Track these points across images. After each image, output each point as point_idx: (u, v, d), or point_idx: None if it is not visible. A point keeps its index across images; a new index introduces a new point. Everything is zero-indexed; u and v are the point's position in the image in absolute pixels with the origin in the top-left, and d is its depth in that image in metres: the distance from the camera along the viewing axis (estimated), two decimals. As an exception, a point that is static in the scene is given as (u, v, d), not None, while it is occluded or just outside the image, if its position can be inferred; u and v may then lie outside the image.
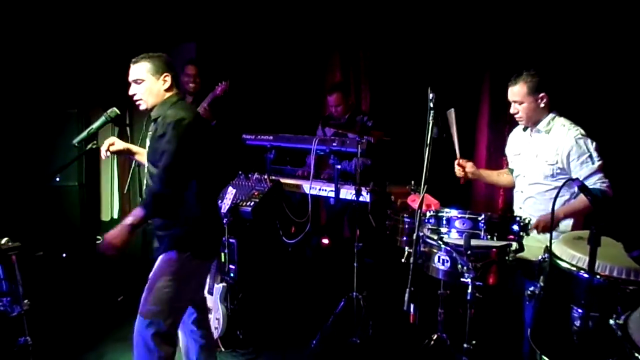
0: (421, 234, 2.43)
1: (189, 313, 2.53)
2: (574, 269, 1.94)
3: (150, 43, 5.30)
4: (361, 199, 3.28)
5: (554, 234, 2.03)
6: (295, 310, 3.83)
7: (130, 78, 2.37)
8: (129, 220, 2.25)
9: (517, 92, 2.65)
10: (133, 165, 3.32)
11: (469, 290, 2.27)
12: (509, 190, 3.03)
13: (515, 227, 2.25)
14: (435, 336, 2.86)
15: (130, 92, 2.38)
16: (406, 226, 2.94)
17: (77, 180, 5.09)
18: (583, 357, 1.84)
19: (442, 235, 2.35)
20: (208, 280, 3.07)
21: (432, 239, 2.44)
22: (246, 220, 3.31)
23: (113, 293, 4.01)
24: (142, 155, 2.58)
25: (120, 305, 3.89)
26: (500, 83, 2.81)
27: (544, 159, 2.65)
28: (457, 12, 4.27)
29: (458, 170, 2.91)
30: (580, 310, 1.87)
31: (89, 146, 2.44)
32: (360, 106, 4.86)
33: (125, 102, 4.54)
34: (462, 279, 2.29)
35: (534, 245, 2.38)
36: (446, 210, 2.35)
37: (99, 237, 5.59)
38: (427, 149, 2.30)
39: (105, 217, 6.38)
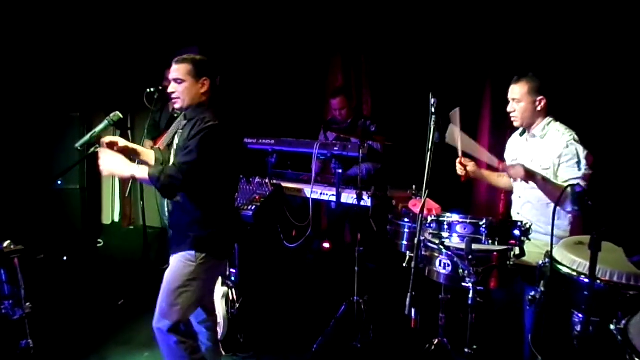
0: (422, 238, 2.43)
1: (197, 314, 2.56)
2: (575, 274, 1.95)
3: (153, 47, 5.35)
4: (362, 203, 3.28)
5: (555, 239, 2.03)
6: (296, 314, 3.83)
7: (171, 76, 2.41)
8: (136, 171, 2.30)
9: (517, 90, 2.68)
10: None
11: (470, 295, 2.27)
12: (509, 194, 3.04)
13: (517, 232, 2.26)
14: (437, 341, 2.85)
15: (169, 90, 2.43)
16: (407, 230, 2.95)
17: (78, 183, 5.11)
18: (584, 362, 1.85)
19: (443, 240, 2.35)
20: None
21: (434, 243, 2.44)
22: (247, 224, 3.32)
23: (114, 296, 4.01)
24: (146, 156, 2.59)
25: (121, 309, 3.89)
26: (502, 89, 2.83)
27: (539, 163, 2.66)
28: (459, 18, 4.29)
29: (460, 169, 2.92)
30: (580, 315, 1.88)
31: (92, 150, 2.44)
32: (362, 110, 4.88)
33: (127, 106, 4.59)
34: (463, 284, 2.29)
35: (534, 251, 2.39)
36: (447, 214, 2.36)
37: (99, 240, 5.61)
38: (429, 153, 2.31)
39: (106, 220, 6.40)
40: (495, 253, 2.34)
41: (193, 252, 2.35)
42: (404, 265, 2.78)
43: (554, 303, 2.02)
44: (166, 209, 3.41)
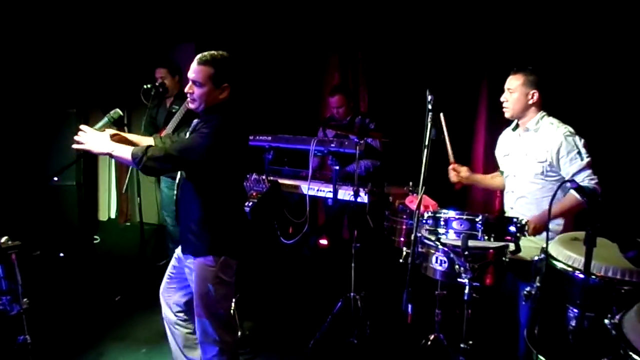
0: (419, 234, 2.45)
1: (176, 310, 2.60)
2: (570, 269, 1.97)
3: (149, 43, 5.33)
4: (359, 199, 3.30)
5: (550, 234, 2.05)
6: (293, 311, 3.84)
7: (190, 76, 2.29)
8: (115, 149, 2.28)
9: (513, 81, 2.72)
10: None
11: (466, 291, 2.29)
12: (504, 191, 3.06)
13: (512, 228, 2.27)
14: (433, 336, 2.87)
15: (186, 90, 2.32)
16: (404, 227, 2.96)
17: (75, 179, 5.10)
18: (578, 357, 1.86)
19: (439, 236, 2.37)
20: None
21: (430, 239, 2.46)
22: (248, 221, 3.32)
23: (111, 293, 4.02)
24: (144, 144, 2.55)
25: (119, 305, 3.89)
26: (498, 86, 2.86)
27: (534, 157, 2.68)
28: (456, 16, 4.30)
29: (453, 176, 2.95)
30: (575, 310, 1.90)
31: None
32: (359, 108, 4.88)
33: (124, 102, 4.58)
34: (459, 280, 2.31)
35: (529, 246, 2.41)
36: (444, 211, 2.38)
37: (96, 237, 5.60)
38: (426, 150, 2.32)
39: (102, 216, 6.39)
40: (491, 249, 2.36)
41: (211, 258, 2.36)
42: (401, 261, 2.79)
43: (549, 298, 2.04)
44: (173, 207, 3.39)
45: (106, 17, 5.26)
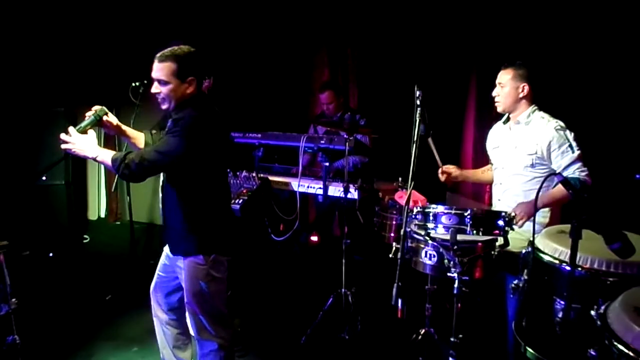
0: (408, 229, 2.46)
1: (167, 309, 2.60)
2: (557, 261, 1.99)
3: (138, 41, 5.30)
4: (349, 196, 3.30)
5: (537, 227, 2.07)
6: (285, 307, 3.85)
7: (154, 75, 2.26)
8: (100, 154, 2.28)
9: (504, 75, 2.76)
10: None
11: (456, 285, 2.30)
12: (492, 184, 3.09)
13: (501, 222, 2.29)
14: (423, 331, 2.89)
15: (153, 91, 2.29)
16: (394, 222, 2.98)
17: (63, 178, 5.06)
18: (565, 348, 1.89)
19: (429, 231, 2.38)
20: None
21: (419, 234, 2.47)
22: (235, 217, 3.32)
23: (101, 292, 4.00)
24: (136, 139, 2.53)
25: (109, 304, 3.87)
26: (487, 82, 2.89)
27: (524, 149, 2.72)
28: (445, 11, 4.32)
29: (444, 178, 2.99)
30: (562, 302, 1.92)
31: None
32: (349, 103, 4.89)
33: (113, 100, 4.54)
34: (448, 274, 2.32)
35: (517, 238, 2.43)
36: (433, 206, 2.39)
37: (86, 236, 5.57)
38: (414, 146, 2.33)
39: (92, 216, 6.35)
40: (479, 243, 2.38)
41: (201, 257, 2.35)
42: (390, 256, 2.80)
43: (536, 291, 2.06)
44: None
45: (94, 14, 5.23)
